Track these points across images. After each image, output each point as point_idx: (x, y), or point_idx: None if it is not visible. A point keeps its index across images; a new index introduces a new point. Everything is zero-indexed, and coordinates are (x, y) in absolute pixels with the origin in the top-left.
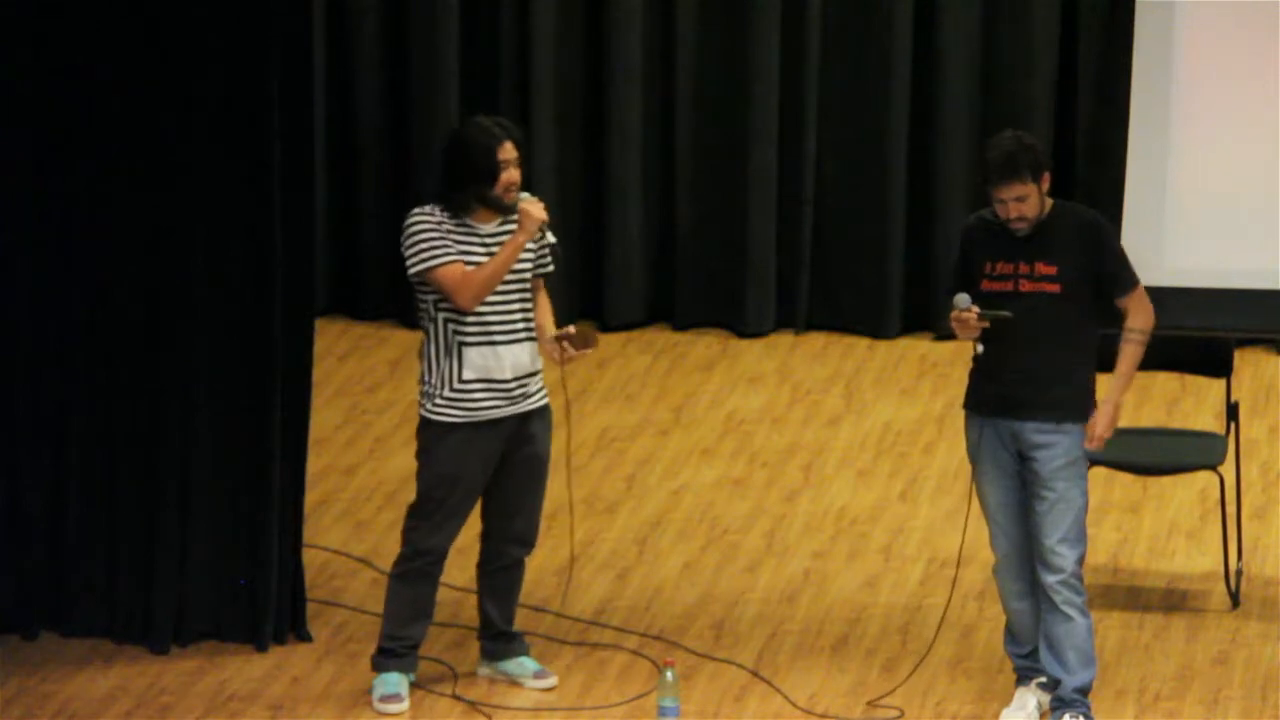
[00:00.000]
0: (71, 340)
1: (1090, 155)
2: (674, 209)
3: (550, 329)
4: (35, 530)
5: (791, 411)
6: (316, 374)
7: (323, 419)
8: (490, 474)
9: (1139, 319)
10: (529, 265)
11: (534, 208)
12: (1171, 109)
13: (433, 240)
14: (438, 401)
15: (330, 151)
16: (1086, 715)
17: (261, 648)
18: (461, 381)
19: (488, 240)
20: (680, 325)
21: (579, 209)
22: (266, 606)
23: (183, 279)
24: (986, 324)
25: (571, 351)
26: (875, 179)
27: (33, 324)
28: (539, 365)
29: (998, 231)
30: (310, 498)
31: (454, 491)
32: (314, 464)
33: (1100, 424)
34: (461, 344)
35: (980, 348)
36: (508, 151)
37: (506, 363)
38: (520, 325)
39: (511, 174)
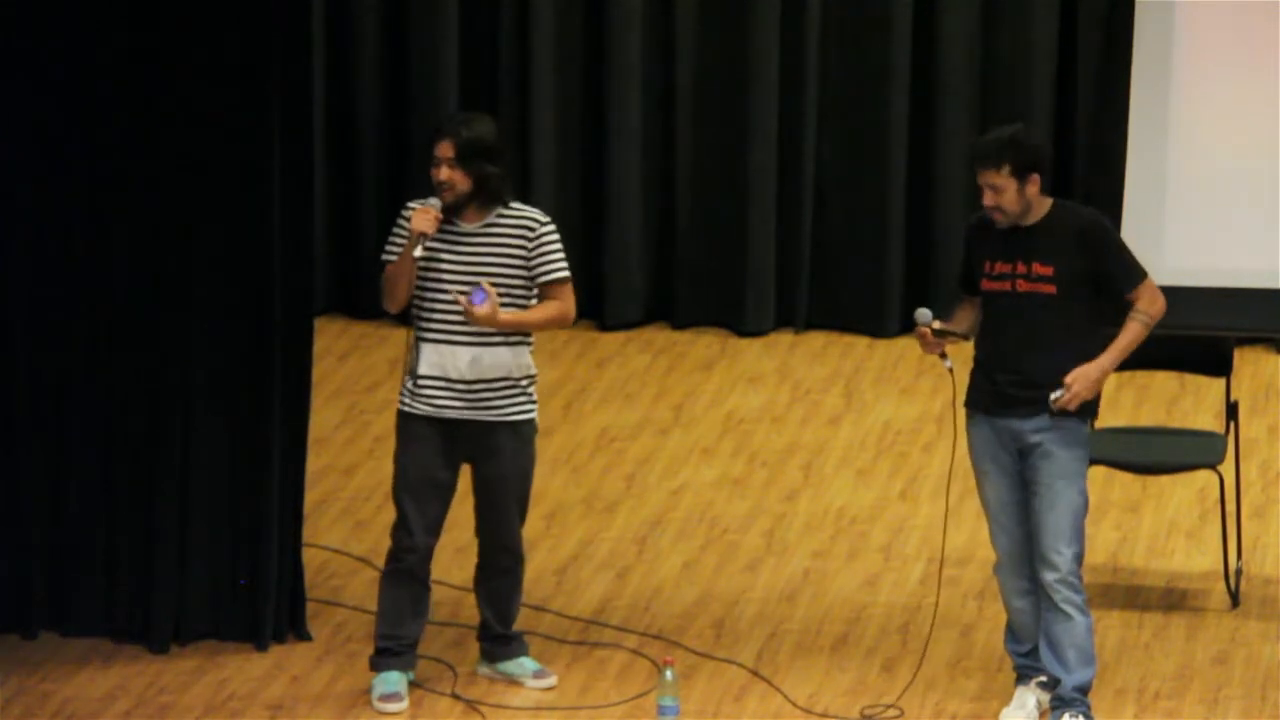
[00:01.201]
0: (71, 340)
1: (1090, 155)
2: (674, 209)
3: (520, 316)
4: (35, 530)
5: (791, 411)
6: (316, 373)
7: (322, 418)
8: (455, 474)
9: (1148, 304)
10: (516, 273)
11: (416, 217)
12: (1171, 109)
13: (393, 235)
14: (401, 392)
15: (330, 151)
16: (1086, 714)
17: (261, 647)
18: (420, 375)
19: (463, 239)
20: (680, 324)
21: (579, 208)
22: (266, 606)
23: (182, 279)
24: (945, 342)
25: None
26: (875, 179)
27: (32, 324)
28: (516, 374)
29: (998, 230)
30: (310, 497)
31: (409, 483)
32: (313, 463)
33: (1080, 383)
34: (420, 339)
35: (949, 363)
36: (440, 149)
37: (463, 363)
38: (478, 330)
39: (439, 172)
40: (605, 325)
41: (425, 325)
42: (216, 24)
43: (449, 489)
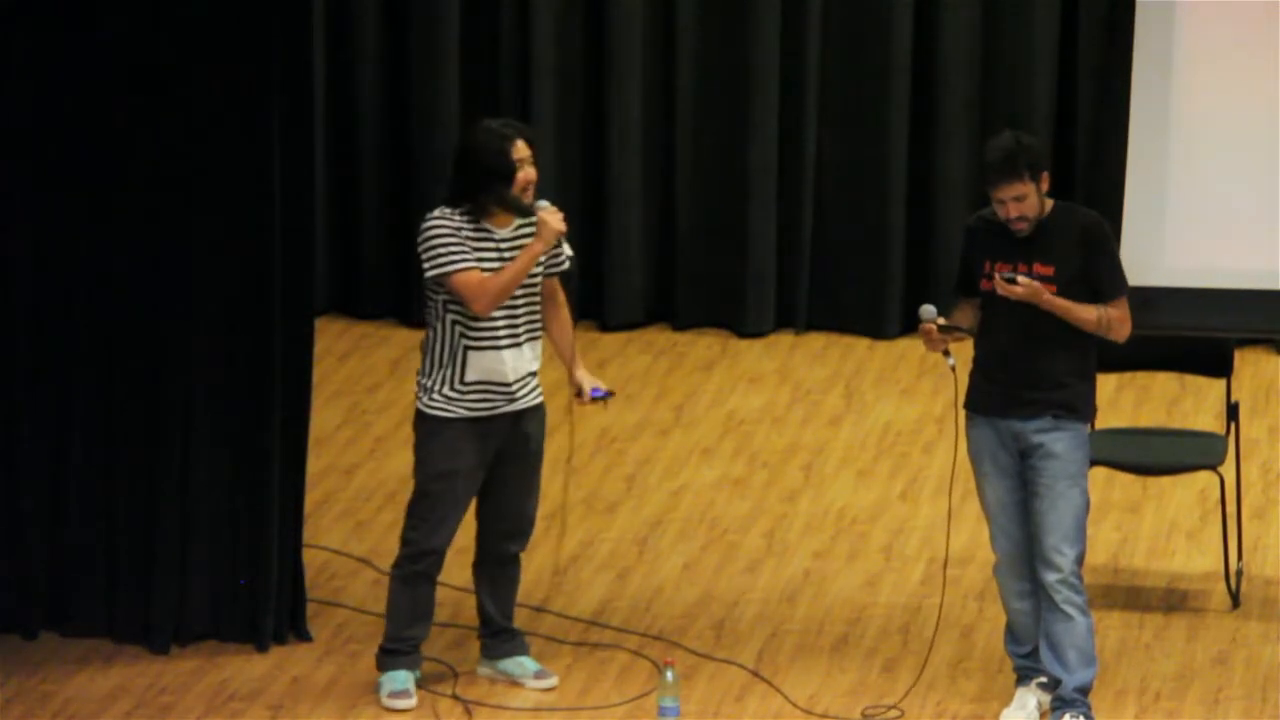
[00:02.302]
0: (71, 340)
1: (1090, 155)
2: (674, 209)
3: (574, 355)
4: (35, 530)
5: (791, 411)
6: (316, 374)
7: (323, 419)
8: (486, 470)
9: (1117, 314)
10: (539, 269)
11: (553, 218)
12: (1171, 109)
13: (450, 244)
14: (435, 397)
15: (330, 151)
16: (1087, 715)
17: (262, 647)
18: (463, 382)
19: (503, 245)
20: (680, 325)
21: (579, 209)
22: (266, 606)
23: (183, 279)
24: (949, 339)
25: (587, 400)
26: (875, 179)
27: (33, 324)
28: (538, 364)
29: (999, 231)
30: (310, 498)
31: (452, 486)
32: (314, 464)
33: (1029, 288)
34: (467, 347)
35: (952, 360)
36: (521, 150)
37: (509, 366)
38: (523, 328)
39: (528, 172)
40: (606, 326)
41: (478, 333)
42: (217, 24)
43: (476, 491)
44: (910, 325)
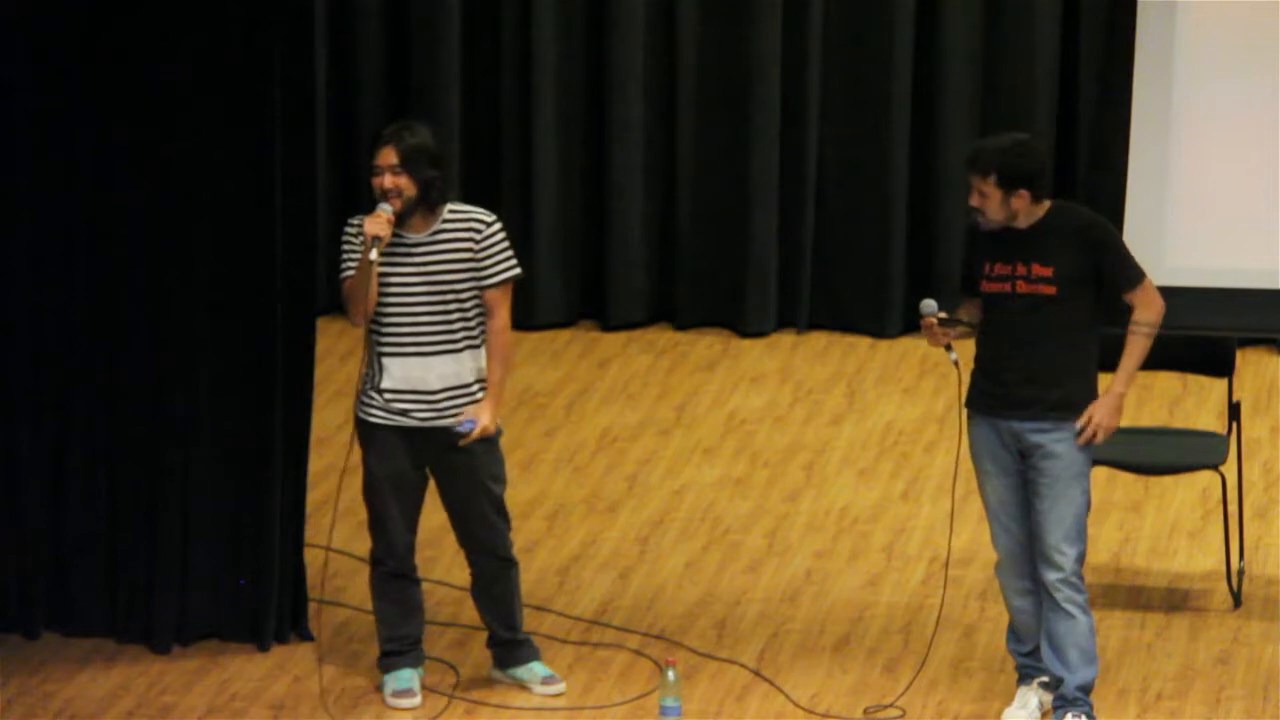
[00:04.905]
0: (72, 340)
1: (1091, 155)
2: (675, 209)
3: (492, 381)
4: (36, 530)
5: (793, 411)
6: (318, 374)
7: (324, 419)
8: (424, 474)
9: (1145, 312)
10: (462, 276)
11: (368, 221)
12: (1172, 109)
13: (345, 251)
14: (363, 399)
15: (331, 151)
16: (1089, 714)
17: (263, 647)
18: (385, 389)
19: (414, 249)
20: (681, 325)
21: (579, 209)
22: (268, 606)
23: (183, 279)
24: (951, 332)
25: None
26: (876, 178)
27: (33, 323)
28: (476, 376)
29: (999, 233)
30: (311, 497)
31: (382, 490)
32: (315, 463)
33: (1100, 413)
34: (380, 353)
35: (954, 355)
36: (382, 157)
37: (431, 374)
38: (443, 337)
39: (382, 179)
40: (607, 326)
41: (386, 340)
42: (218, 24)
43: (420, 487)
44: (912, 324)
